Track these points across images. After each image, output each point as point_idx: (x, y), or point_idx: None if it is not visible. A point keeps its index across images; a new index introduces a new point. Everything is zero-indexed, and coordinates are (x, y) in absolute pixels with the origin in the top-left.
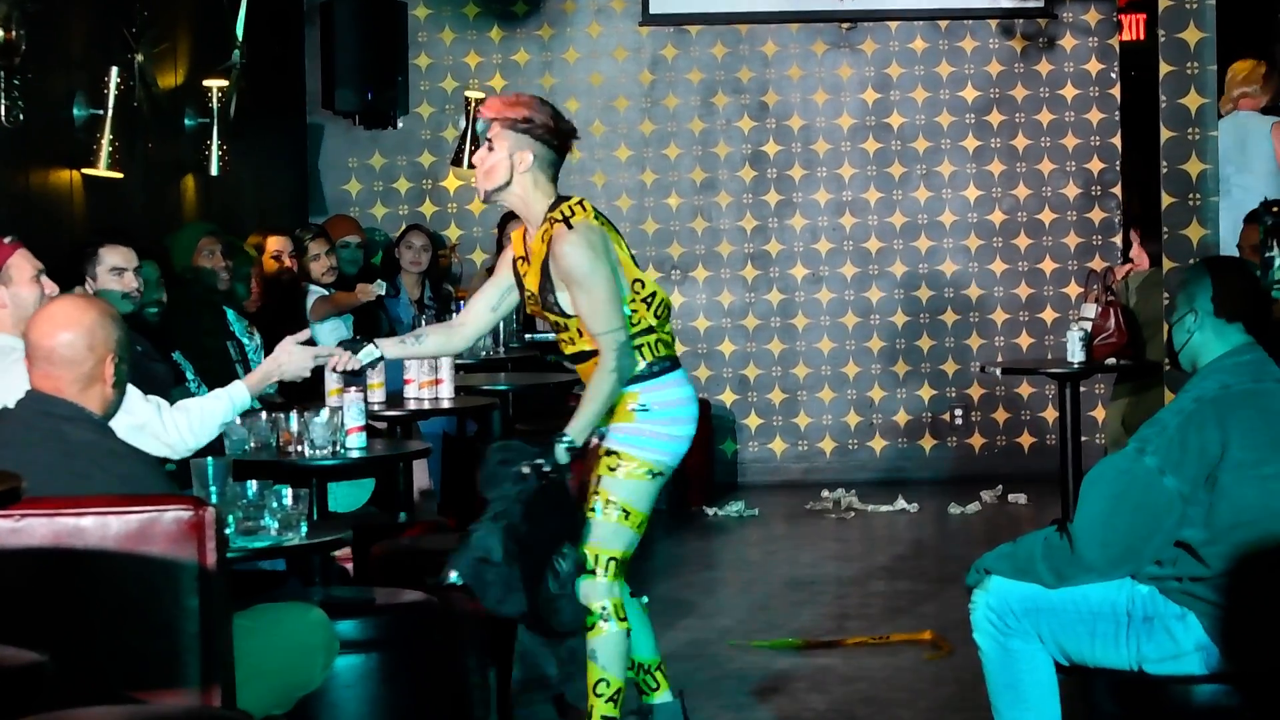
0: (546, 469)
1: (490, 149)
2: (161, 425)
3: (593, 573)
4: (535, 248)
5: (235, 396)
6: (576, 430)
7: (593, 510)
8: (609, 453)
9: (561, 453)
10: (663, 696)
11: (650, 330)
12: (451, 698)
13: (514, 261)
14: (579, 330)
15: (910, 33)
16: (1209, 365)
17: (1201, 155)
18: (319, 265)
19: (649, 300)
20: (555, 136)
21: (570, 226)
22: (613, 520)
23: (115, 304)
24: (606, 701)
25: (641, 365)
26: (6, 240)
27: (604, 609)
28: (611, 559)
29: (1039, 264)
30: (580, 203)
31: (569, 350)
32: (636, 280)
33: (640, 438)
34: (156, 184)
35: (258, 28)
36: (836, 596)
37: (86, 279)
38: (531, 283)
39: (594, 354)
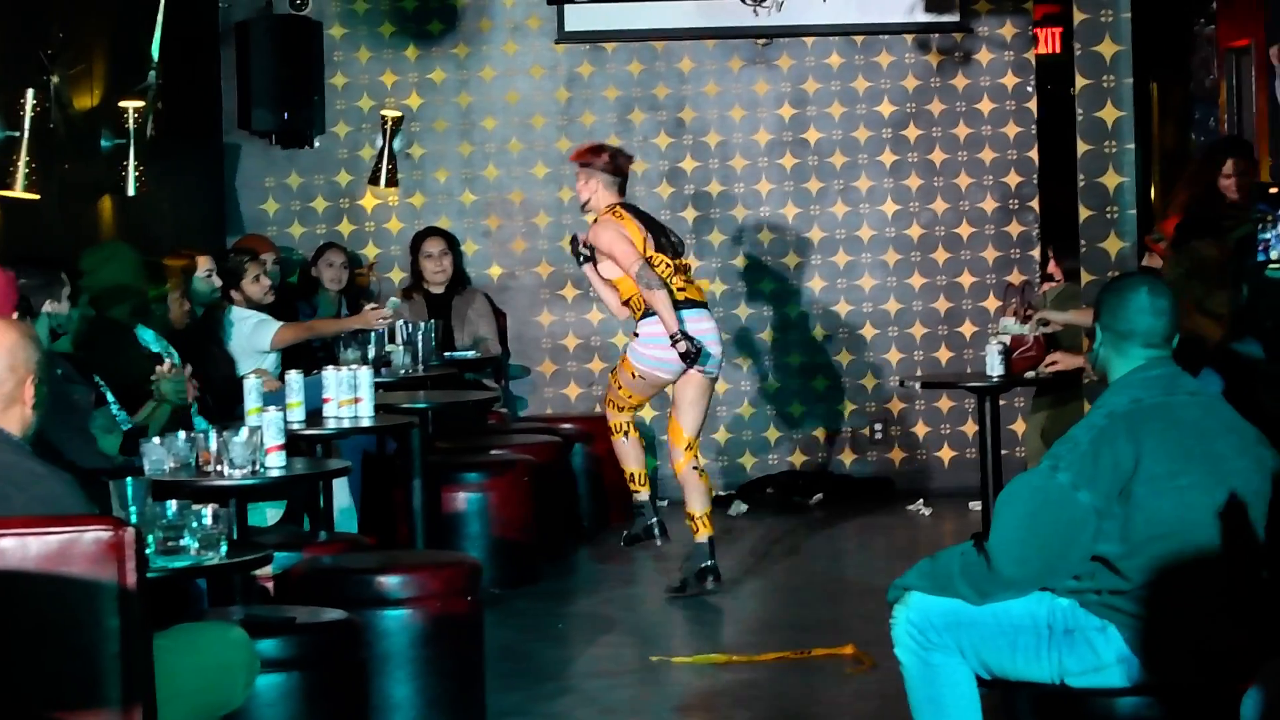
0: None
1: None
2: None
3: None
4: None
5: None
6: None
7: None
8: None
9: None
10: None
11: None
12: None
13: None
14: None
15: (826, 48)
16: (1119, 381)
17: (1118, 168)
18: (259, 286)
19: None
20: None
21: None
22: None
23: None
24: (633, 484)
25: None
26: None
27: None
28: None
29: (957, 278)
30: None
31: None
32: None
33: (635, 353)
34: (74, 205)
35: (173, 49)
36: (759, 611)
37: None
38: None
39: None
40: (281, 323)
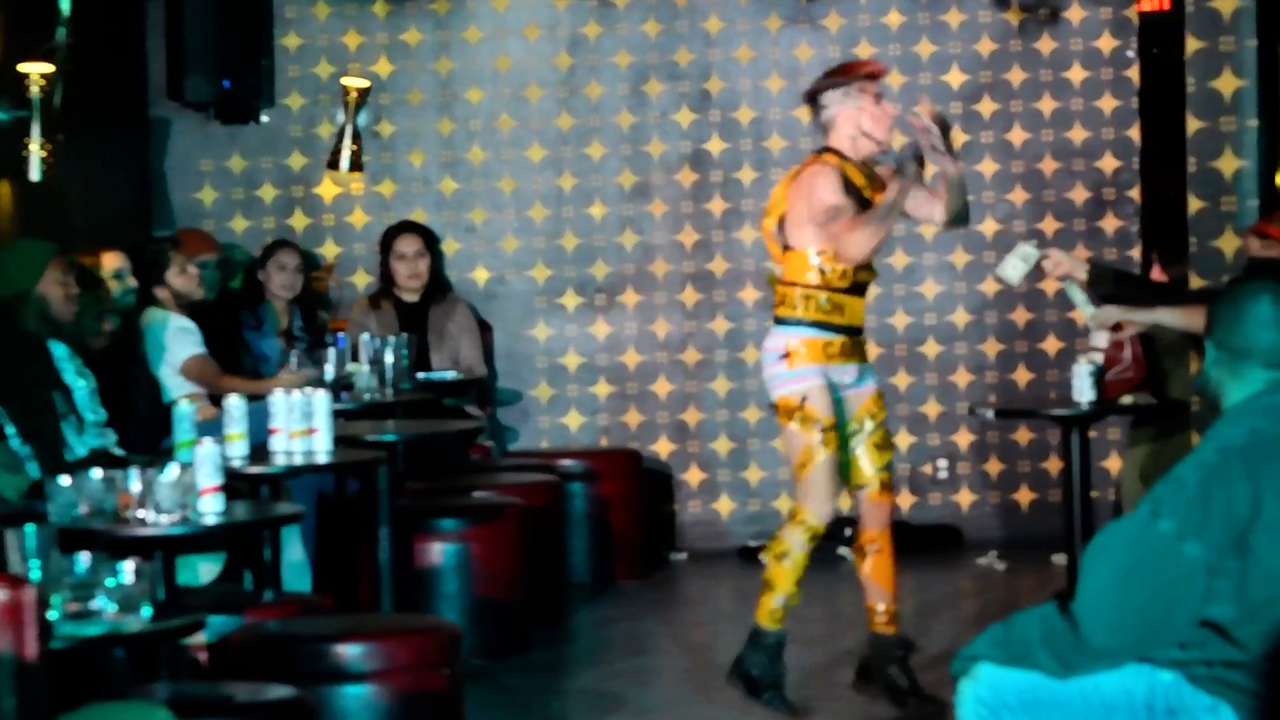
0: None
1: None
2: None
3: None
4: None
5: None
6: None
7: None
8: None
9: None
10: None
11: None
12: None
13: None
14: None
15: (883, 5)
16: (1235, 408)
17: (1237, 149)
18: (187, 278)
19: None
20: None
21: None
22: None
23: None
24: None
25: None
26: None
27: None
28: None
29: (1040, 284)
30: None
31: None
32: None
33: None
34: None
35: (88, 1)
36: (796, 686)
37: None
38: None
39: None
40: (203, 351)
